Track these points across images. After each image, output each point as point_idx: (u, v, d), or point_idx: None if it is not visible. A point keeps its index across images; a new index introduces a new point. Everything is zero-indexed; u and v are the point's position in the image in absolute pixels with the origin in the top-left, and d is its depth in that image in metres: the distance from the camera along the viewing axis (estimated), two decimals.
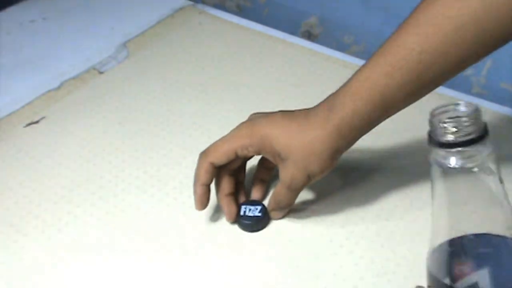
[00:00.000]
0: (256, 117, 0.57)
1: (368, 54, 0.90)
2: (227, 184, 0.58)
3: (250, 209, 0.58)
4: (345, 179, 0.62)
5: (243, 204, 0.58)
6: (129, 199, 0.61)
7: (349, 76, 0.78)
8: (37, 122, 0.71)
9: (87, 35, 0.87)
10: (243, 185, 0.60)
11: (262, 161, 0.60)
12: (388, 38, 0.52)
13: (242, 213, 0.57)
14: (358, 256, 0.55)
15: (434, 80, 0.52)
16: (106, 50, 0.83)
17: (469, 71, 0.81)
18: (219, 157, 0.55)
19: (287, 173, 0.54)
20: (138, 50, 0.83)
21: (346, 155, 0.55)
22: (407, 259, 0.55)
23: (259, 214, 0.57)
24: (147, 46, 0.84)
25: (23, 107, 0.73)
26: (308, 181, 0.54)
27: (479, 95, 0.79)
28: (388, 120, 0.54)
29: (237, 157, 0.56)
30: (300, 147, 0.53)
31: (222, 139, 0.56)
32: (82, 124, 0.71)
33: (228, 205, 0.57)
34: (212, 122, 0.71)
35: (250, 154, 0.56)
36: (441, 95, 0.74)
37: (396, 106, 0.53)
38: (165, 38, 0.86)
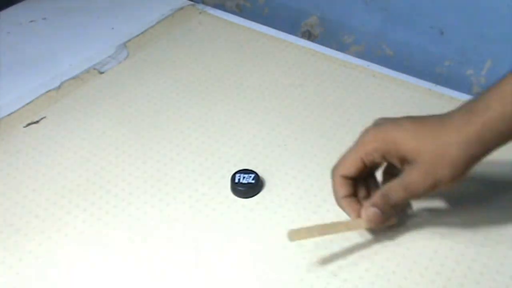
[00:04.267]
0: (382, 122, 0.53)
1: (368, 54, 0.90)
2: (343, 187, 0.53)
3: (244, 177, 0.61)
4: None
5: (237, 172, 0.62)
6: (129, 199, 0.61)
7: (349, 76, 0.78)
8: (37, 122, 0.71)
9: (87, 35, 0.87)
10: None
11: (388, 168, 0.56)
12: None
13: (236, 180, 0.61)
14: (358, 256, 0.55)
15: None
16: (106, 50, 0.83)
17: (469, 71, 0.81)
18: (348, 168, 0.52)
19: (410, 175, 0.49)
20: (138, 50, 0.83)
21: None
22: (407, 259, 0.55)
23: (253, 181, 0.61)
24: (147, 46, 0.84)
25: (23, 107, 0.73)
26: (432, 189, 0.49)
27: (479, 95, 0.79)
28: None
29: (365, 165, 0.52)
30: (430, 150, 0.48)
31: (349, 149, 0.53)
32: (82, 124, 0.71)
33: (349, 205, 0.53)
34: (212, 122, 0.71)
35: (377, 160, 0.52)
36: (442, 95, 0.75)
37: None
38: (165, 38, 0.86)
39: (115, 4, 0.94)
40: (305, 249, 0.56)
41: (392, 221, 0.55)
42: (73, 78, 0.78)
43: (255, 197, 0.61)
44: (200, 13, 0.91)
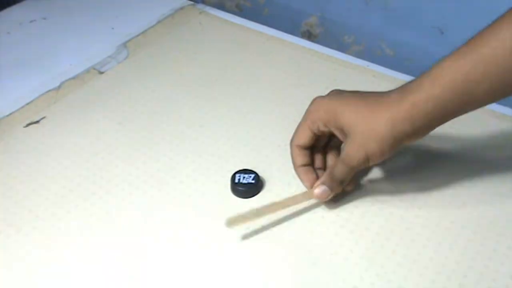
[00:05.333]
0: (333, 93, 0.57)
1: (368, 54, 0.90)
2: (299, 157, 0.58)
3: (244, 177, 0.61)
4: None
5: (237, 172, 0.62)
6: (129, 199, 0.61)
7: (349, 76, 0.78)
8: (37, 122, 0.71)
9: (87, 35, 0.87)
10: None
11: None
12: (479, 32, 0.50)
13: (236, 180, 0.61)
14: (358, 256, 0.55)
15: None
16: (106, 50, 0.83)
17: None
18: (301, 138, 0.57)
19: (347, 148, 0.53)
20: (138, 50, 0.84)
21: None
22: (407, 259, 0.55)
23: (253, 181, 0.61)
24: (147, 46, 0.84)
25: (23, 107, 0.73)
26: (365, 161, 0.53)
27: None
28: None
29: (313, 133, 0.56)
30: (363, 124, 0.51)
31: (302, 119, 0.58)
32: (82, 124, 0.71)
33: (305, 174, 0.58)
34: (212, 122, 0.71)
35: (321, 128, 0.56)
36: None
37: (475, 100, 0.50)
38: (165, 38, 0.86)
39: (115, 4, 0.94)
40: (305, 249, 0.56)
41: (348, 188, 0.60)
42: (73, 78, 0.78)
43: (255, 197, 0.61)
44: (200, 13, 0.91)
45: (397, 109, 0.50)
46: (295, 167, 0.59)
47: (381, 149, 0.51)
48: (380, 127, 0.51)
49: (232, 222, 0.56)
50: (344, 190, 0.59)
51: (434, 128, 0.52)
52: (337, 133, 0.55)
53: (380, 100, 0.52)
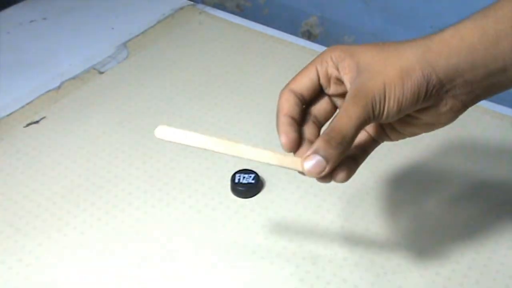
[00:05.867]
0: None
1: None
2: (288, 103, 0.43)
3: (244, 177, 0.62)
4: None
5: (237, 172, 0.62)
6: (129, 199, 0.61)
7: None
8: (37, 122, 0.71)
9: (87, 35, 0.87)
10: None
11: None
12: None
13: (236, 180, 0.61)
14: (358, 256, 0.55)
15: None
16: (106, 50, 0.83)
17: None
18: (299, 80, 0.44)
19: (357, 80, 0.41)
20: (138, 50, 0.84)
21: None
22: (407, 259, 0.55)
23: (253, 181, 0.61)
24: (147, 46, 0.84)
25: (23, 107, 0.73)
26: (380, 95, 0.40)
27: None
28: None
29: (318, 76, 0.44)
30: (385, 53, 0.42)
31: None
32: (82, 124, 0.71)
33: (287, 126, 0.43)
34: (212, 122, 0.71)
35: (330, 70, 0.44)
36: None
37: None
38: (165, 38, 0.86)
39: (115, 4, 0.94)
40: (305, 249, 0.56)
41: (341, 177, 0.42)
42: (73, 78, 0.78)
43: (255, 197, 0.61)
44: (200, 13, 0.91)
45: (432, 39, 0.41)
46: (278, 115, 0.43)
47: (401, 78, 0.40)
48: (407, 53, 0.41)
49: (163, 132, 0.46)
50: (336, 179, 0.42)
51: (468, 80, 0.41)
52: (346, 73, 0.43)
53: (401, 42, 0.43)
